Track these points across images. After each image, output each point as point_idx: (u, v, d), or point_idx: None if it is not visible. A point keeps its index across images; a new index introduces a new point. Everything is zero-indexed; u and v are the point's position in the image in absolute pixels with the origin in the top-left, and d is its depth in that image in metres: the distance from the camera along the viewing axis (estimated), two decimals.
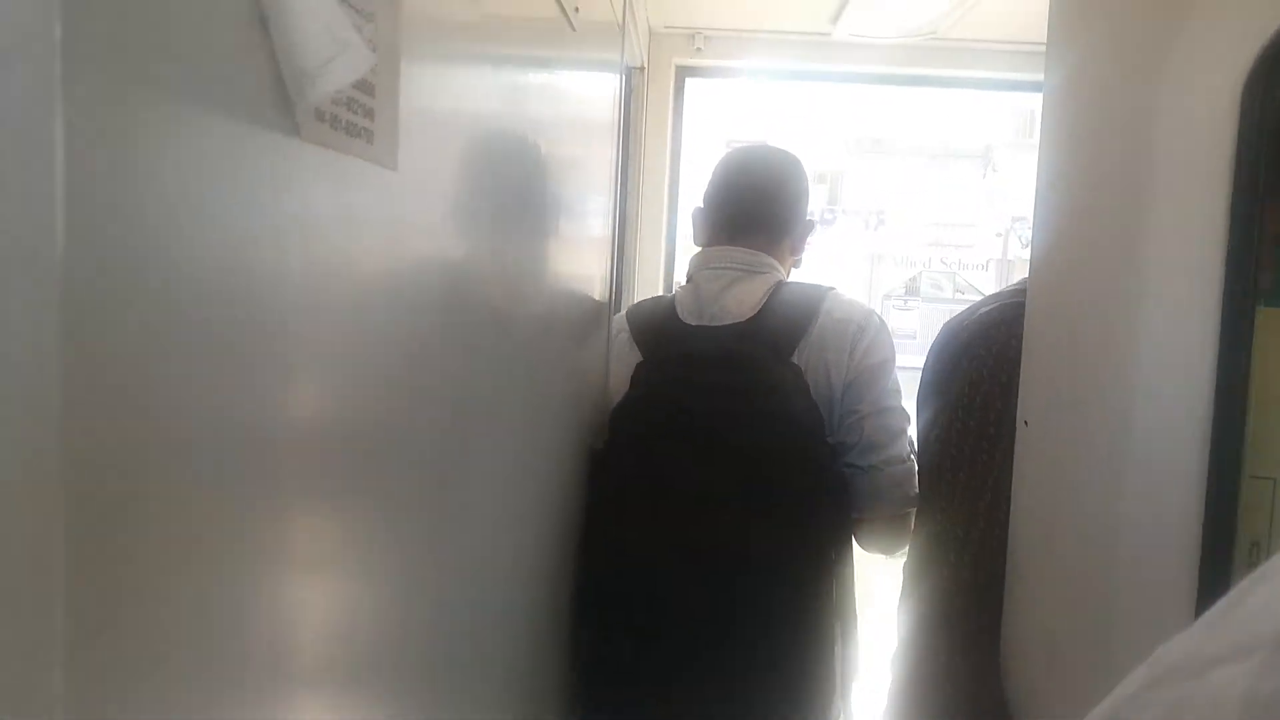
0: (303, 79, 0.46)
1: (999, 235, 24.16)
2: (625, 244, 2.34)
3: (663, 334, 1.59)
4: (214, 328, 0.42)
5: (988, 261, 24.50)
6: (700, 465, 1.43)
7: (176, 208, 0.39)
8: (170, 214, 0.38)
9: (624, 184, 2.22)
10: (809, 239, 1.73)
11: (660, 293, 2.51)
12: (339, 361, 0.58)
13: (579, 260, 1.62)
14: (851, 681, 1.54)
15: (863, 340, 1.54)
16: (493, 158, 0.95)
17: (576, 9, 1.25)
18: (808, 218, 1.73)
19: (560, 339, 1.39)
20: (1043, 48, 1.86)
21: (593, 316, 1.84)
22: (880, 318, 1.61)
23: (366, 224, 0.61)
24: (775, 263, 1.65)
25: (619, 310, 2.09)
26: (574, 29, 1.26)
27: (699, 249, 1.72)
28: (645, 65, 2.39)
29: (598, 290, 1.90)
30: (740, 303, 1.57)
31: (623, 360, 1.61)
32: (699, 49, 2.41)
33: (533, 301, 1.17)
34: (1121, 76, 1.17)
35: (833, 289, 1.61)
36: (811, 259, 1.83)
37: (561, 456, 1.51)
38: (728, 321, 1.56)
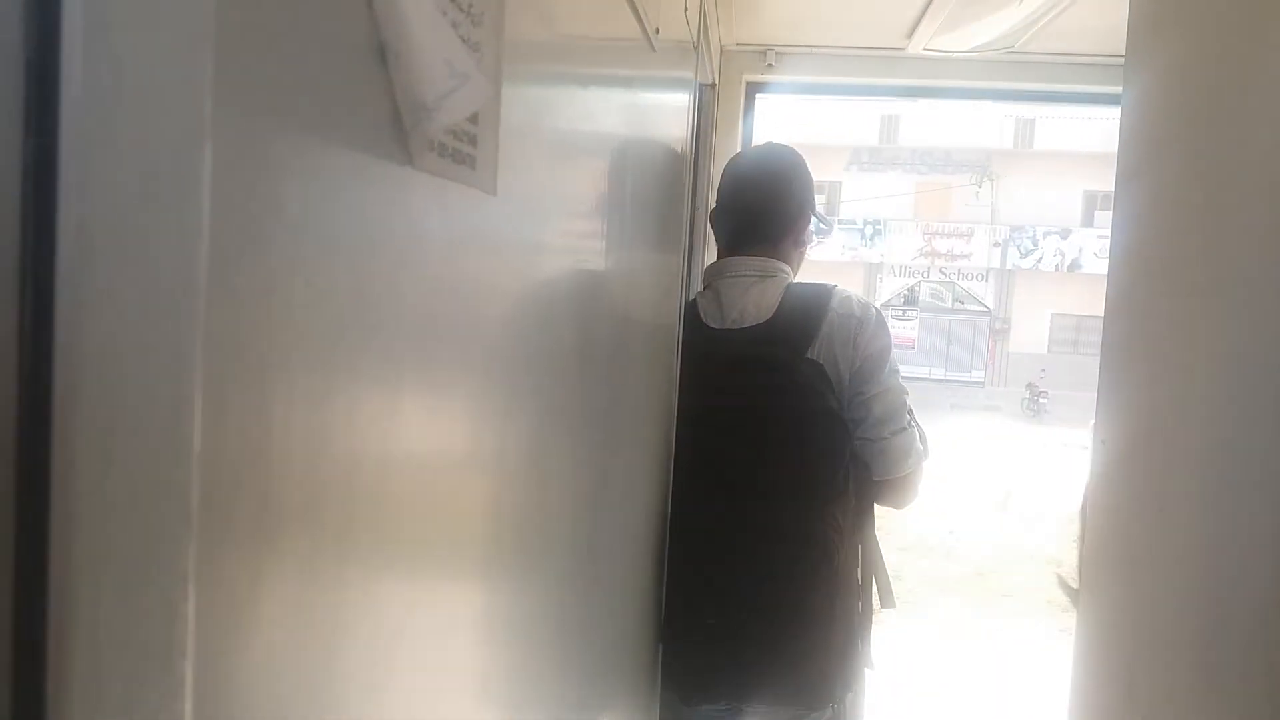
0: (420, 111, 0.48)
1: (996, 245, 23.71)
2: (694, 256, 2.35)
3: (690, 338, 1.78)
4: (341, 347, 0.45)
5: (987, 271, 24.06)
6: (744, 451, 1.68)
7: (306, 234, 0.41)
8: (299, 241, 0.41)
9: (694, 197, 2.24)
10: (810, 229, 1.90)
11: None
12: (460, 374, 0.60)
13: (658, 274, 1.64)
14: (870, 629, 1.80)
15: (864, 332, 1.73)
16: (579, 178, 0.97)
17: (657, 30, 1.28)
18: (807, 210, 1.88)
19: (641, 350, 1.41)
20: (1121, 61, 1.84)
21: (668, 326, 1.86)
22: (877, 309, 1.79)
23: (468, 247, 0.63)
24: (783, 265, 1.83)
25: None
26: (654, 49, 1.28)
27: (716, 260, 1.90)
28: (716, 82, 2.40)
29: (674, 301, 1.92)
30: (758, 306, 1.75)
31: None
32: (770, 65, 2.42)
33: (619, 315, 1.19)
34: (1203, 87, 1.15)
35: (835, 287, 1.79)
36: (810, 268, 1.98)
37: (651, 458, 1.54)
38: (748, 324, 1.75)
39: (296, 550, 0.43)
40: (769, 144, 1.94)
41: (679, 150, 1.86)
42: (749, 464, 1.68)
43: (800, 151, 1.89)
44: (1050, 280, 23.57)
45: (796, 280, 1.83)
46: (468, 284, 0.63)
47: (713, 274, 1.86)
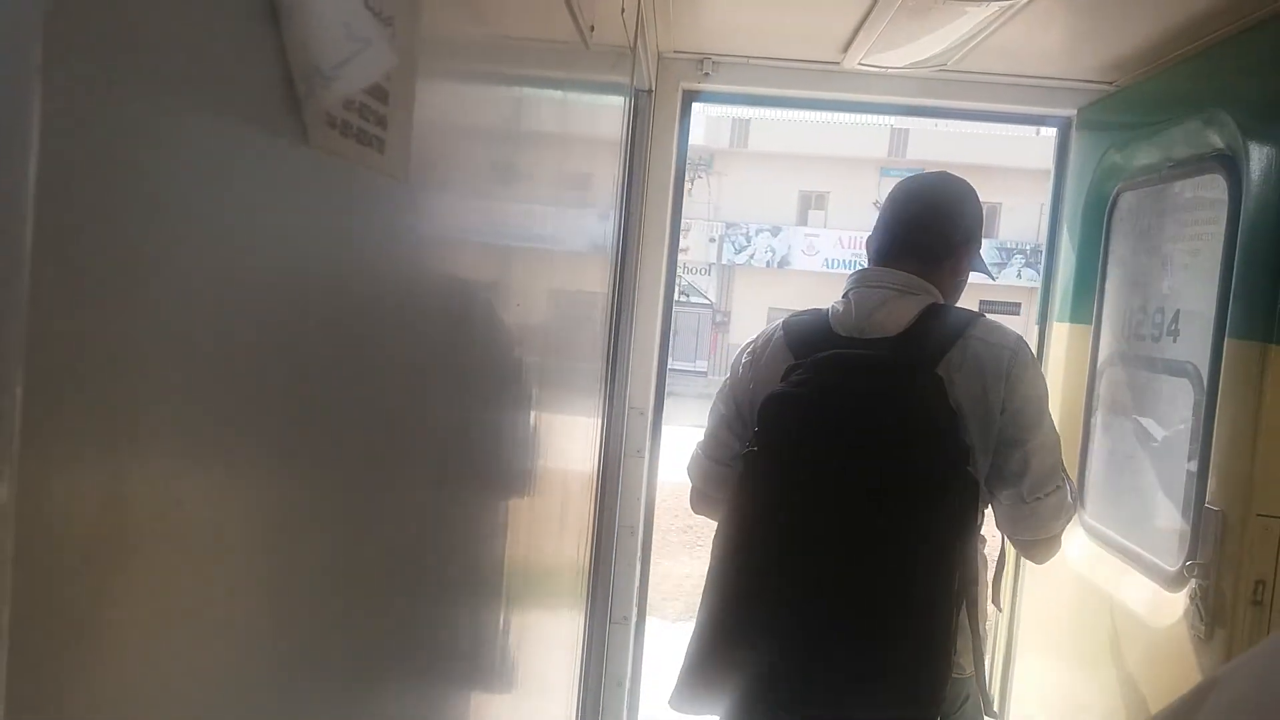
0: (315, 78, 0.43)
1: (712, 240, 24.25)
2: (627, 260, 2.32)
3: (815, 342, 1.67)
4: (204, 336, 0.40)
5: (709, 265, 24.60)
6: (842, 453, 1.55)
7: (164, 209, 0.36)
8: (156, 215, 0.36)
9: (628, 202, 2.21)
10: (971, 262, 1.80)
11: (660, 311, 2.51)
12: (334, 374, 0.55)
13: (583, 277, 1.61)
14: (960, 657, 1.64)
15: (1023, 370, 1.62)
16: (502, 173, 0.93)
17: (592, 28, 1.24)
18: (974, 243, 1.79)
19: (563, 354, 1.37)
20: (1048, 82, 1.87)
21: (595, 330, 1.82)
22: (1029, 347, 1.67)
23: (371, 236, 0.59)
24: (931, 286, 1.71)
25: (618, 324, 2.09)
26: (588, 47, 1.25)
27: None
28: (653, 88, 2.38)
29: (600, 305, 1.88)
30: (892, 319, 1.65)
31: (775, 361, 1.71)
32: (706, 74, 2.41)
33: (538, 316, 1.15)
34: None
35: (983, 316, 1.69)
36: None
37: (559, 470, 1.50)
38: (877, 335, 1.64)
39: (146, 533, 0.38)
40: (946, 173, 1.86)
41: (612, 152, 1.83)
42: (854, 475, 1.56)
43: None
44: (764, 275, 24.07)
45: (943, 304, 1.74)
46: (367, 272, 0.58)
47: (852, 283, 1.75)
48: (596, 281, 1.86)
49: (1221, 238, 1.71)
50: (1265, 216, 1.55)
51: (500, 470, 1.06)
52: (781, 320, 1.80)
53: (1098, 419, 2.30)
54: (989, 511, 1.72)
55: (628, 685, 2.65)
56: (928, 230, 1.74)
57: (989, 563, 1.78)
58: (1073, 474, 2.29)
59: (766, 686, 1.63)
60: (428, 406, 0.74)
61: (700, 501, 1.90)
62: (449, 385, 0.80)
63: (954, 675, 1.63)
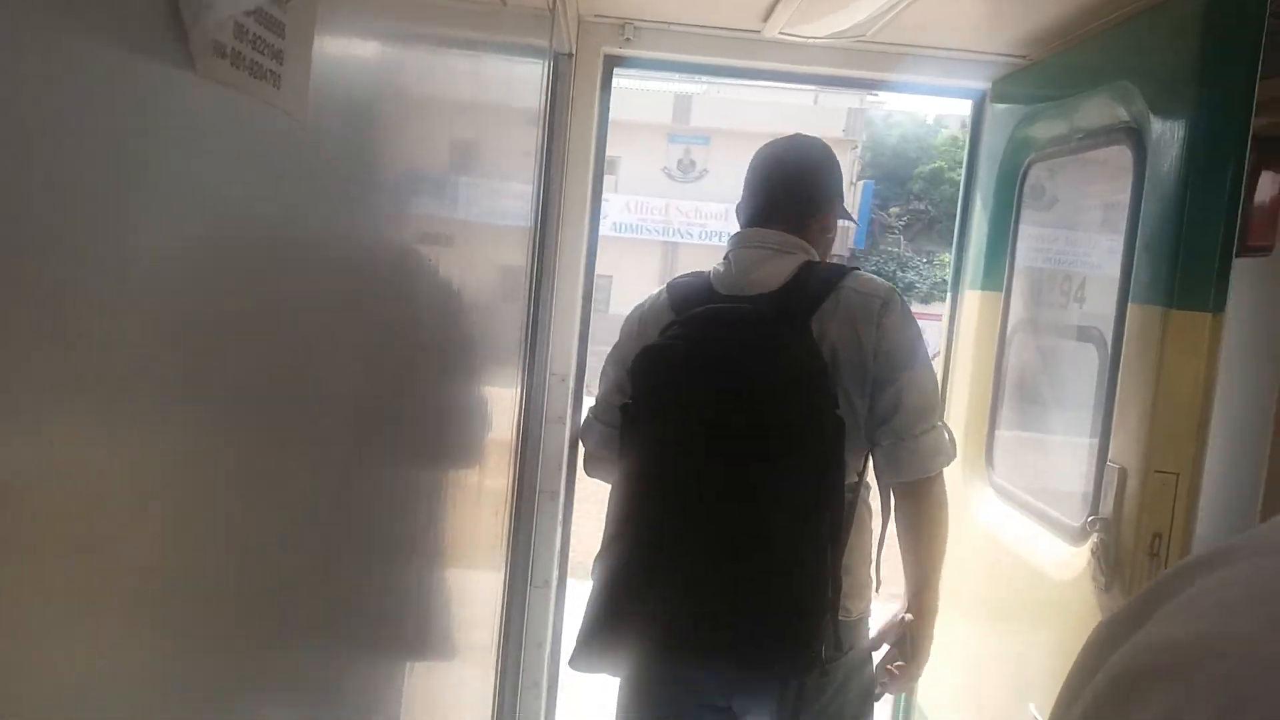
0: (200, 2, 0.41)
1: None
2: (547, 230, 2.29)
3: (697, 300, 1.74)
4: (79, 282, 0.38)
5: None
6: (712, 401, 1.61)
7: (28, 134, 0.34)
8: (26, 145, 0.34)
9: (548, 169, 2.18)
10: (837, 218, 1.90)
11: (581, 279, 2.50)
12: (213, 332, 0.52)
13: (501, 241, 1.58)
14: (839, 599, 1.68)
15: (889, 315, 1.70)
16: (411, 127, 0.91)
17: None
18: (836, 199, 1.89)
19: (477, 321, 1.35)
20: (964, 55, 1.90)
21: (515, 297, 1.80)
22: (900, 296, 1.76)
23: (267, 177, 0.56)
24: (805, 244, 1.81)
25: (538, 292, 2.08)
26: (504, 3, 1.22)
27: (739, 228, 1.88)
28: (574, 52, 2.35)
29: (520, 272, 1.86)
30: (770, 276, 1.73)
31: (659, 321, 1.78)
32: (628, 39, 2.38)
33: (453, 280, 1.13)
34: None
35: (855, 270, 1.77)
36: None
37: (474, 437, 1.48)
38: (757, 292, 1.71)
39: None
40: (801, 135, 1.94)
41: (530, 117, 1.80)
42: (724, 422, 1.61)
43: None
44: None
45: (818, 261, 1.81)
46: (262, 216, 0.56)
47: (732, 245, 1.84)
48: (515, 247, 1.84)
49: (1126, 207, 1.77)
50: (1167, 186, 1.61)
51: (412, 434, 1.04)
52: (667, 283, 1.89)
53: (1007, 384, 2.36)
54: (870, 466, 1.78)
55: (549, 647, 2.66)
56: (796, 192, 1.83)
57: (874, 513, 1.84)
58: (982, 437, 2.36)
59: (659, 637, 1.68)
60: (333, 369, 0.71)
61: (594, 464, 1.98)
62: (355, 347, 0.77)
63: (841, 618, 1.70)
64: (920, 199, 25.73)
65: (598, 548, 1.75)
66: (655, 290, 1.92)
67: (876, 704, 1.89)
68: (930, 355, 1.83)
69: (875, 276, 1.78)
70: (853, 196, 20.50)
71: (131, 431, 0.43)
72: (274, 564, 0.63)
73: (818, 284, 1.71)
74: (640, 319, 1.87)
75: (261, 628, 0.62)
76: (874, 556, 1.82)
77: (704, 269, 1.86)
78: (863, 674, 1.83)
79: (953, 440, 1.80)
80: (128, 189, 0.40)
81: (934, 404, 1.74)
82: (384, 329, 0.86)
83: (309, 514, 0.70)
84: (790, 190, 1.83)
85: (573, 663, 1.75)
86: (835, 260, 1.95)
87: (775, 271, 1.74)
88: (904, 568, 1.84)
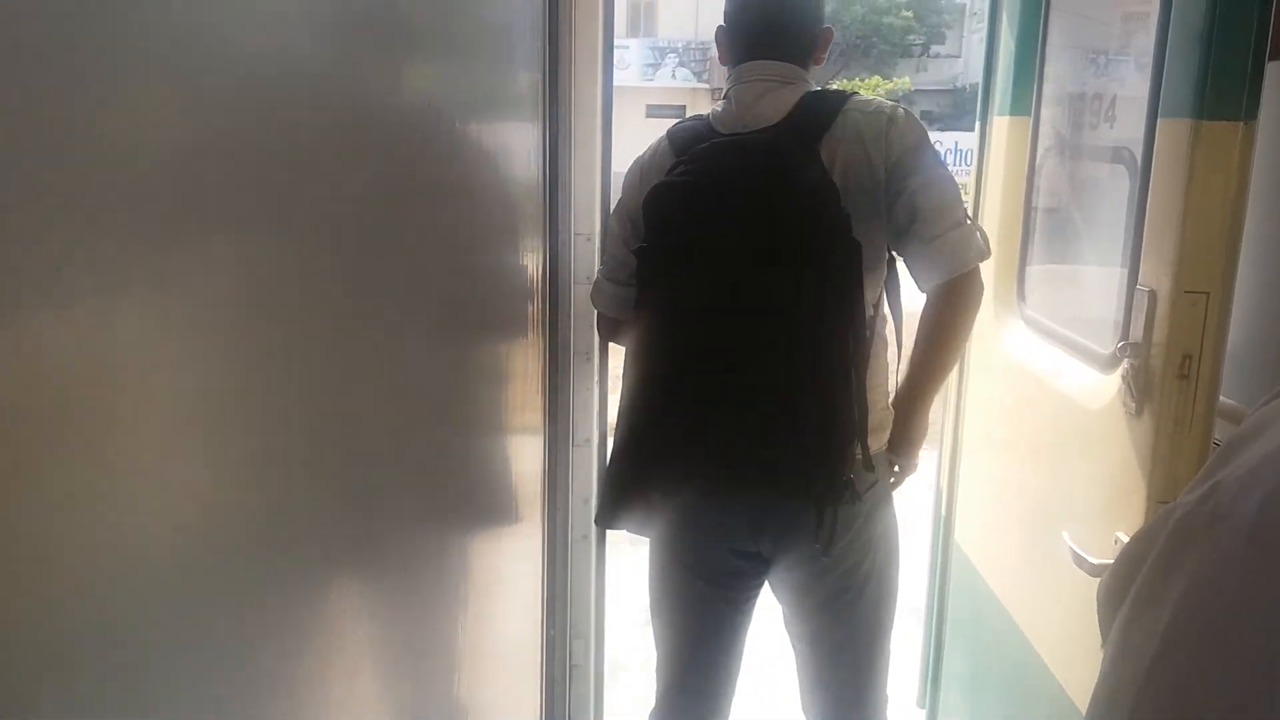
0: None
1: None
2: (559, 85, 2.24)
3: (698, 142, 1.71)
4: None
5: None
6: (725, 230, 1.59)
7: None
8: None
9: (555, 16, 2.11)
10: (828, 43, 1.84)
11: (599, 135, 2.44)
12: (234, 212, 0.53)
13: (504, 97, 1.55)
14: (865, 426, 1.69)
15: (896, 128, 1.68)
16: None
17: None
18: (825, 26, 1.83)
19: (489, 181, 1.34)
20: None
21: (525, 158, 1.78)
22: (908, 111, 1.73)
23: (238, 11, 0.55)
24: (804, 73, 1.78)
25: (554, 153, 2.09)
26: None
27: (729, 67, 1.81)
28: None
29: (530, 132, 1.83)
30: (773, 108, 1.70)
31: (662, 168, 1.74)
32: None
33: (452, 134, 1.11)
34: None
35: (856, 93, 1.75)
36: None
37: (497, 303, 1.49)
38: (759, 127, 1.69)
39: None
40: None
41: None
42: (737, 250, 1.60)
43: None
44: None
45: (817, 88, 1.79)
46: (232, 66, 0.55)
47: (731, 82, 1.79)
48: (524, 102, 1.81)
49: (1155, 17, 1.68)
50: None
51: (429, 306, 1.05)
52: (667, 130, 1.84)
53: (1037, 212, 2.31)
54: (884, 297, 1.79)
55: (594, 501, 2.74)
56: (795, 19, 1.78)
57: (888, 344, 1.84)
58: (1012, 269, 2.33)
59: (687, 476, 1.71)
60: (338, 229, 0.72)
61: (607, 327, 1.99)
62: (362, 208, 0.77)
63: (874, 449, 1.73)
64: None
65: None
66: (655, 140, 1.88)
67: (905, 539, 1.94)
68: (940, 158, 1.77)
69: (880, 98, 1.76)
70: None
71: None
72: (353, 438, 0.65)
73: (822, 109, 1.69)
74: (641, 169, 1.85)
75: (345, 496, 0.65)
76: (891, 390, 1.83)
77: (703, 113, 1.82)
78: (887, 506, 1.86)
79: (985, 237, 1.75)
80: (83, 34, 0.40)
81: (952, 202, 1.69)
82: (367, 185, 0.85)
83: (349, 386, 0.72)
84: (786, 19, 1.78)
85: (598, 520, 1.78)
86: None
87: (778, 103, 1.71)
88: (906, 374, 1.82)
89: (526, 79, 1.77)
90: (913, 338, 1.81)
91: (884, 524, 1.85)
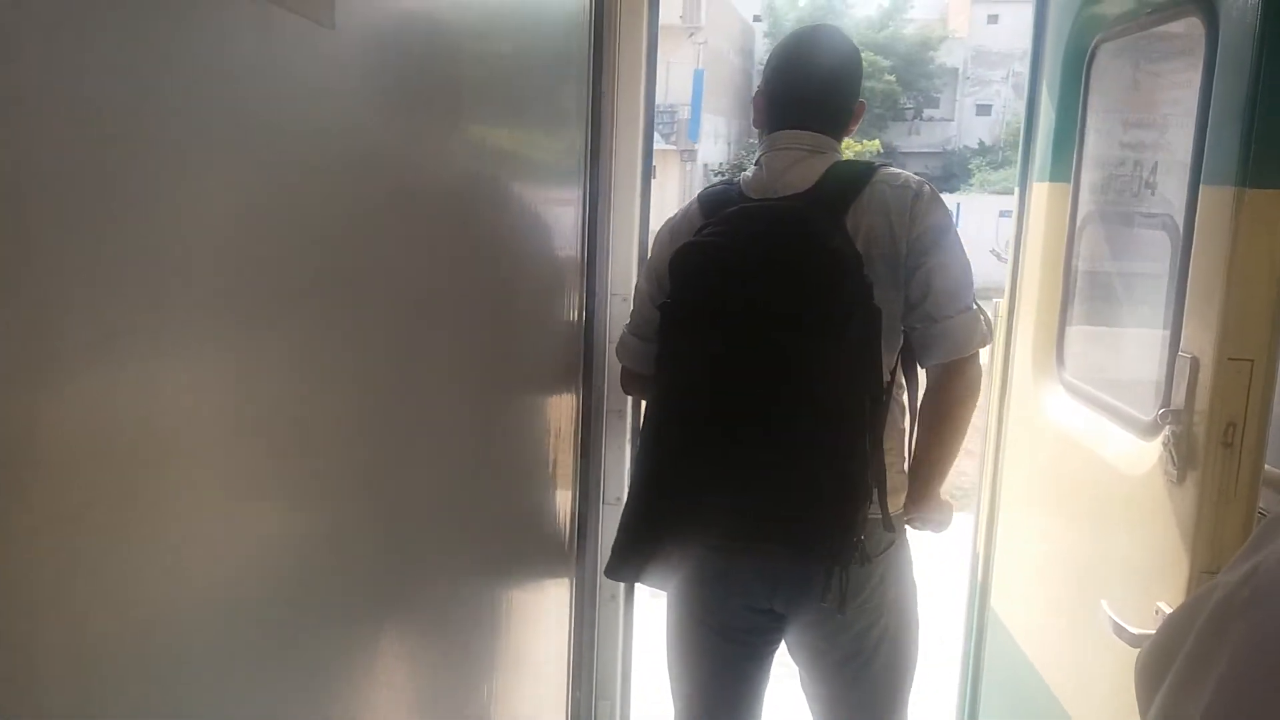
0: None
1: None
2: (600, 147, 2.28)
3: (727, 205, 1.74)
4: (95, 197, 0.39)
5: None
6: (750, 293, 1.62)
7: (46, 33, 0.35)
8: (37, 40, 0.35)
9: (597, 78, 2.15)
10: (861, 116, 1.89)
11: (638, 197, 2.49)
12: (246, 244, 0.54)
13: (546, 159, 1.58)
14: (884, 490, 1.71)
15: (920, 204, 1.71)
16: (450, 34, 0.91)
17: None
18: (859, 99, 1.88)
19: (528, 241, 1.36)
20: None
21: (565, 217, 1.80)
22: (933, 188, 1.77)
23: (299, 87, 0.57)
24: (836, 144, 1.82)
25: (593, 212, 2.15)
26: None
27: (764, 132, 1.85)
28: None
29: (571, 191, 1.86)
30: (802, 178, 1.74)
31: (691, 229, 1.78)
32: None
33: (493, 198, 1.13)
34: None
35: (885, 164, 1.78)
36: None
37: (534, 360, 1.50)
38: (788, 194, 1.72)
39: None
40: (827, 26, 1.91)
41: (575, 26, 1.78)
42: (762, 313, 1.63)
43: None
44: None
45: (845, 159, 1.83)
46: (288, 123, 0.57)
47: (764, 147, 1.83)
48: (566, 164, 1.84)
49: (1198, 85, 1.69)
50: (1240, 57, 1.53)
51: (466, 361, 1.06)
52: (698, 193, 1.88)
53: (1078, 277, 2.30)
54: (899, 364, 1.81)
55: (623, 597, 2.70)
56: (833, 92, 1.82)
57: (905, 411, 1.86)
58: (1052, 334, 2.31)
59: (703, 534, 1.72)
60: (369, 284, 0.73)
61: (630, 381, 2.00)
62: (406, 265, 0.79)
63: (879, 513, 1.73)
64: None
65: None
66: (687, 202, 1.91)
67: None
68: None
69: (905, 171, 1.79)
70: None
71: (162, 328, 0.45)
72: (371, 492, 0.66)
73: (850, 180, 1.72)
74: (671, 230, 1.87)
75: (364, 550, 0.66)
76: (906, 455, 1.83)
77: (734, 179, 1.86)
78: (903, 569, 1.85)
79: (989, 323, 1.80)
80: (148, 97, 0.42)
81: (965, 286, 1.75)
82: (426, 252, 0.87)
83: (396, 445, 0.72)
84: (825, 91, 1.82)
85: (608, 571, 1.77)
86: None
87: (807, 172, 1.75)
88: (913, 455, 1.83)
89: (570, 144, 1.81)
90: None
91: (899, 588, 1.84)
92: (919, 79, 32.15)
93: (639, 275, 1.93)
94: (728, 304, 1.65)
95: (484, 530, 1.17)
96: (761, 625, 1.84)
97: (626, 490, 2.71)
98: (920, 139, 32.38)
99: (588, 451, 2.40)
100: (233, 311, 0.49)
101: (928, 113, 33.22)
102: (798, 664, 1.91)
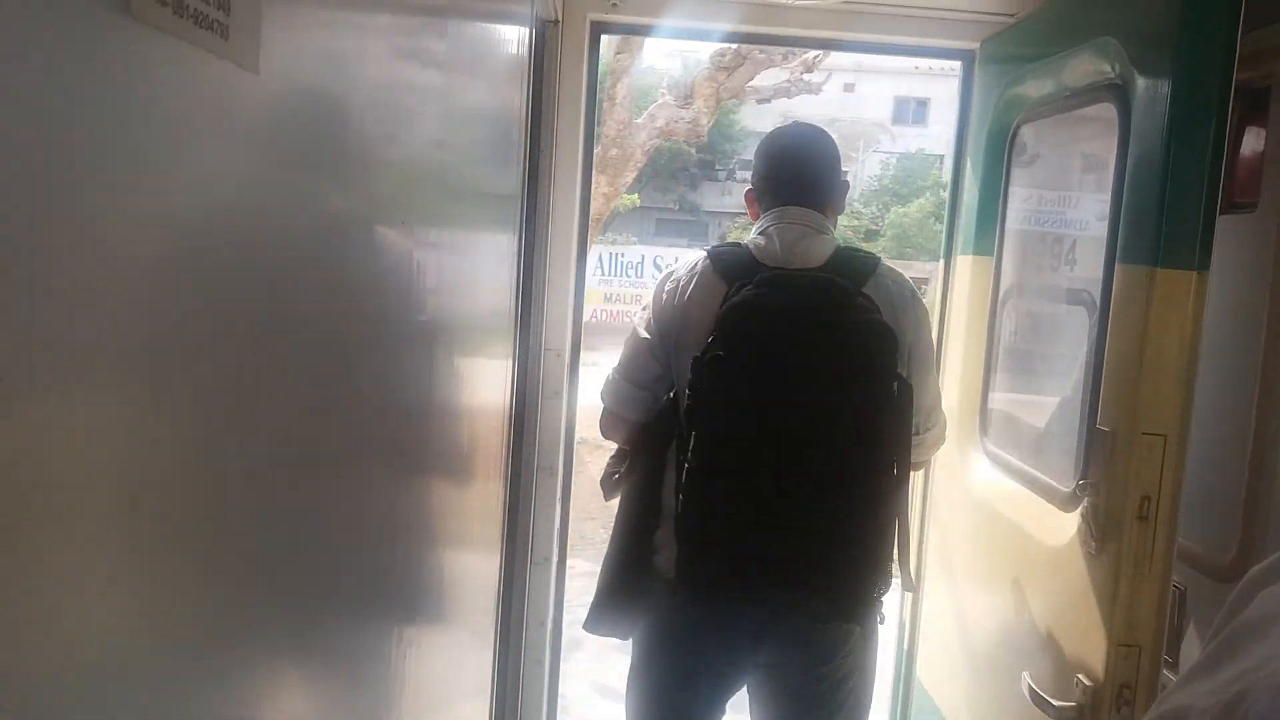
0: None
1: None
2: (537, 201, 2.28)
3: (746, 270, 1.83)
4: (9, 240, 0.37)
5: None
6: (804, 357, 1.73)
7: None
8: None
9: (536, 138, 2.16)
10: (845, 194, 2.07)
11: (574, 251, 2.49)
12: (164, 289, 0.52)
13: (481, 215, 1.57)
14: (906, 553, 1.89)
15: (918, 309, 1.91)
16: (381, 86, 0.90)
17: None
18: (842, 178, 2.06)
19: (459, 293, 1.34)
20: (953, 14, 1.86)
21: (502, 267, 1.79)
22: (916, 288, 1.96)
23: (223, 132, 0.56)
24: (830, 226, 1.98)
25: (529, 264, 2.16)
26: None
27: (763, 213, 1.98)
28: (559, 18, 2.33)
29: (506, 242, 1.85)
30: (811, 254, 1.87)
31: (708, 288, 1.87)
32: (615, 4, 2.36)
33: (424, 251, 1.12)
34: None
35: (881, 259, 1.94)
36: None
37: (462, 415, 1.47)
38: (801, 266, 1.84)
39: None
40: (809, 124, 2.11)
41: (515, 80, 1.79)
42: (820, 378, 1.73)
43: None
44: None
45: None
46: (211, 167, 0.55)
47: (770, 221, 1.95)
48: (501, 219, 1.83)
49: (1112, 166, 1.76)
50: (1151, 144, 1.59)
51: (393, 414, 1.04)
52: (705, 253, 1.97)
53: (999, 349, 2.36)
54: None
55: (549, 625, 2.67)
56: (822, 178, 2.00)
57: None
58: (975, 404, 2.36)
59: (729, 573, 1.79)
60: (291, 335, 0.71)
61: (613, 425, 2.02)
62: (315, 319, 0.76)
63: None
64: None
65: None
66: (688, 259, 1.99)
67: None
68: None
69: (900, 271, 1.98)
70: None
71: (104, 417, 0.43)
72: (277, 542, 0.63)
73: (859, 263, 1.88)
74: (678, 285, 1.94)
75: (275, 604, 0.63)
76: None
77: (740, 241, 1.97)
78: (874, 638, 1.96)
79: (945, 422, 2.05)
80: (70, 144, 0.40)
81: (938, 397, 2.01)
82: (344, 294, 0.85)
83: (299, 490, 0.70)
84: (820, 177, 1.99)
85: (587, 625, 1.88)
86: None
87: (815, 249, 1.88)
88: None
89: (503, 197, 1.80)
90: None
91: (873, 649, 1.95)
92: (728, 143, 33.86)
93: (638, 325, 1.97)
94: (781, 365, 1.75)
95: (400, 592, 1.13)
96: (733, 681, 1.96)
97: (560, 552, 2.69)
98: (732, 199, 33.85)
99: (516, 509, 2.36)
100: (138, 357, 0.47)
101: (741, 174, 34.76)
102: (755, 700, 2.00)
